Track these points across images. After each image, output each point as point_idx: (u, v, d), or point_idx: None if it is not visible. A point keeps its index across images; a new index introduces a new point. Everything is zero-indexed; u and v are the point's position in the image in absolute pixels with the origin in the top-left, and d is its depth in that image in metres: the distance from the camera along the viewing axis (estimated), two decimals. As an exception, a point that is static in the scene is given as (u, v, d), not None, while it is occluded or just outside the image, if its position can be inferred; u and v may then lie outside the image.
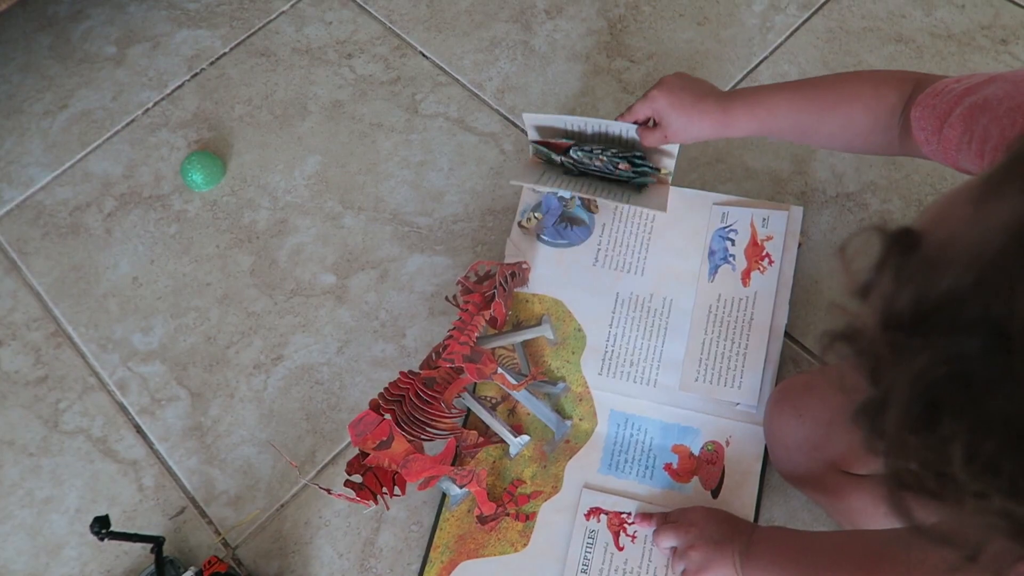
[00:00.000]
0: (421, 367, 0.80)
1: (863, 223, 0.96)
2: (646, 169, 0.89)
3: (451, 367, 0.79)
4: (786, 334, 0.89)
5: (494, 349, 0.88)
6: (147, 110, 1.15)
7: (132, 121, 1.15)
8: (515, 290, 0.91)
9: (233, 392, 0.94)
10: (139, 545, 0.84)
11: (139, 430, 0.93)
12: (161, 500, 0.89)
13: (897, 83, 0.67)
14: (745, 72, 1.08)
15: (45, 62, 1.21)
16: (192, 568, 0.80)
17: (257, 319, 0.98)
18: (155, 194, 1.08)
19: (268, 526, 0.86)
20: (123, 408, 0.94)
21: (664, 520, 0.76)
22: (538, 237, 0.94)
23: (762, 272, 0.90)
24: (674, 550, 0.75)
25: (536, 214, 0.96)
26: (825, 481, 0.72)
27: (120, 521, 0.88)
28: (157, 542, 0.81)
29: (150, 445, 0.92)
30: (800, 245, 0.92)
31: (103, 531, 0.76)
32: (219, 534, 0.86)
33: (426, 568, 0.80)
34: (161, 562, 0.81)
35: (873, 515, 0.69)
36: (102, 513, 0.76)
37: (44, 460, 0.92)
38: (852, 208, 0.97)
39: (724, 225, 0.93)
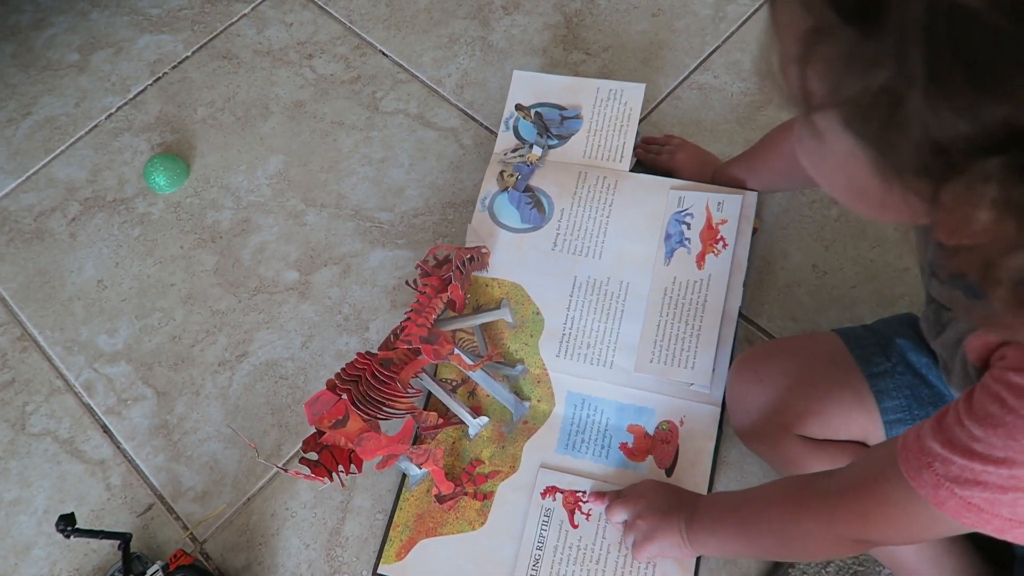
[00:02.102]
0: (380, 349, 0.82)
1: (815, 204, 0.98)
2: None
3: (408, 348, 0.81)
4: (741, 315, 0.91)
5: (454, 332, 0.89)
6: (110, 115, 1.16)
7: (95, 126, 1.16)
8: (475, 274, 0.93)
9: (199, 390, 0.95)
10: (107, 543, 0.84)
11: (106, 430, 0.94)
12: (129, 498, 0.90)
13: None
14: (699, 60, 1.10)
15: (8, 70, 1.22)
16: (159, 562, 0.80)
17: (222, 317, 0.99)
18: (119, 198, 1.09)
19: (235, 520, 0.87)
20: (90, 409, 0.95)
21: (615, 496, 0.78)
22: (512, 187, 0.97)
23: (716, 255, 0.91)
24: (626, 523, 0.77)
25: (517, 173, 0.98)
26: (782, 445, 0.74)
27: (89, 520, 0.88)
28: (124, 538, 0.82)
29: (117, 444, 0.93)
30: (756, 230, 0.94)
31: (69, 529, 0.77)
32: (187, 529, 0.87)
33: (385, 546, 0.81)
34: (128, 557, 0.81)
35: None
36: (69, 512, 0.77)
37: (11, 462, 0.93)
38: (804, 191, 0.99)
39: (680, 209, 0.94)
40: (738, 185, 0.94)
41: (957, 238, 0.35)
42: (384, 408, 0.76)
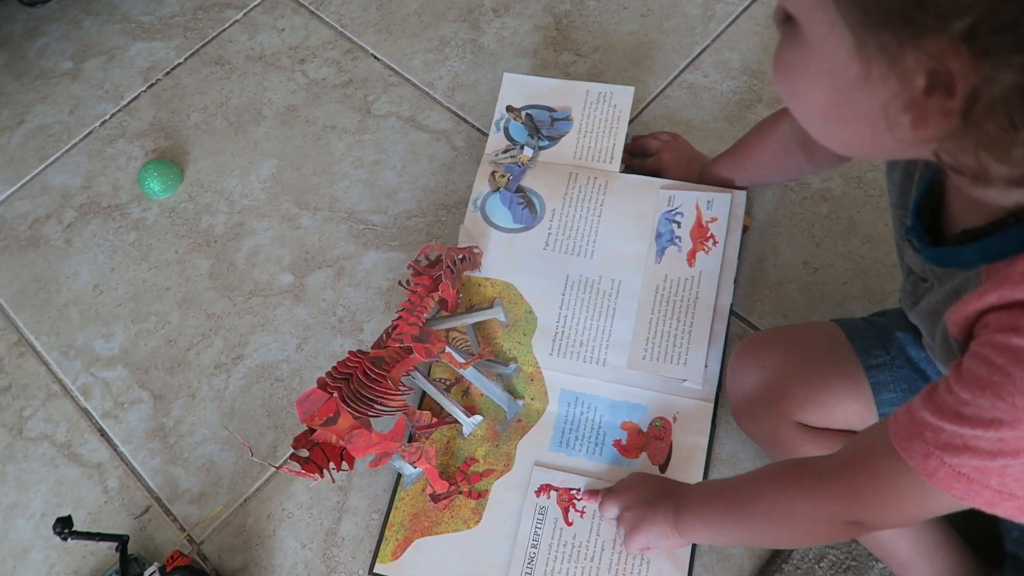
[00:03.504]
0: (372, 348, 0.82)
1: (805, 201, 0.98)
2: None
3: (400, 346, 0.81)
4: (733, 312, 0.91)
5: (447, 331, 0.90)
6: (104, 122, 1.17)
7: (89, 133, 1.16)
8: (467, 274, 0.94)
9: (195, 393, 0.95)
10: (104, 545, 0.85)
11: (103, 434, 0.94)
12: (126, 501, 0.90)
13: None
14: (688, 60, 1.11)
15: (1, 79, 1.22)
16: (156, 563, 0.81)
17: (217, 320, 0.99)
18: (114, 203, 1.10)
19: (232, 521, 0.88)
20: (87, 413, 0.96)
21: (607, 492, 0.79)
22: (503, 187, 0.97)
23: (707, 253, 0.92)
24: (617, 517, 0.77)
25: (508, 173, 0.98)
26: (779, 431, 0.74)
27: (86, 523, 0.89)
28: (121, 540, 0.82)
29: (114, 448, 0.93)
30: (746, 228, 0.95)
31: (66, 531, 0.77)
32: (184, 531, 0.88)
33: (381, 546, 0.82)
34: (125, 559, 0.82)
35: None
36: (66, 515, 0.77)
37: (9, 467, 0.93)
38: (794, 187, 0.99)
39: (670, 208, 0.95)
40: (725, 182, 0.94)
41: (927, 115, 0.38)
42: (375, 406, 0.77)
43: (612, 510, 0.77)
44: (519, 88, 1.05)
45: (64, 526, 0.77)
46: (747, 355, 0.79)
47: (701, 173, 0.96)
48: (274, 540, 0.86)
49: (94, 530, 0.86)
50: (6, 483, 0.92)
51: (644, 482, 0.77)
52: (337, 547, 0.85)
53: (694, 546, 0.79)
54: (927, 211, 0.54)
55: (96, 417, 0.95)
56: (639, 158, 1.02)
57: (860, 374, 0.72)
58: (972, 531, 0.74)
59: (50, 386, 0.98)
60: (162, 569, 0.80)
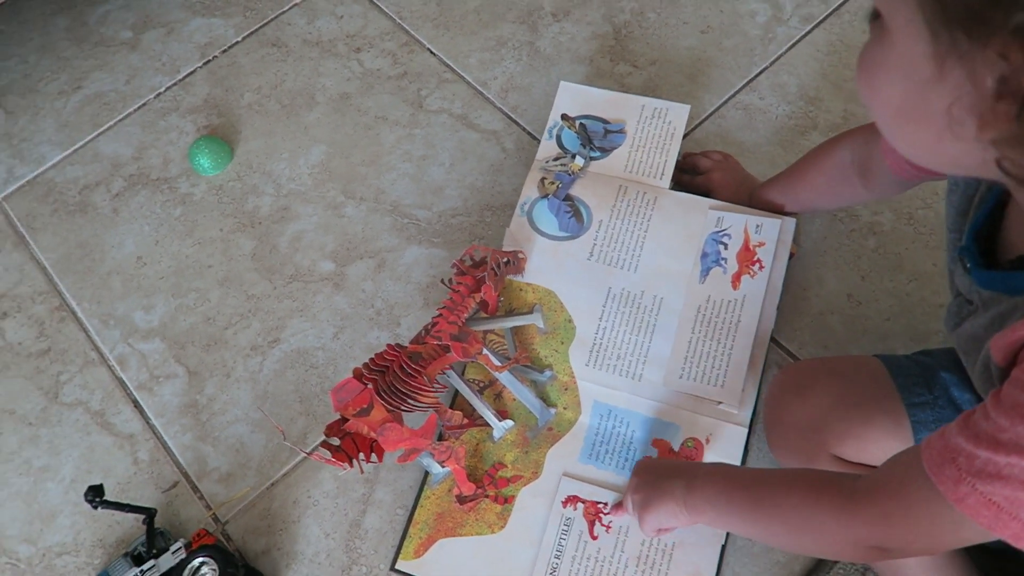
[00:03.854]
0: (410, 343, 0.83)
1: (853, 233, 0.98)
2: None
3: (438, 344, 0.81)
4: (772, 339, 0.91)
5: (485, 332, 0.90)
6: (159, 94, 1.18)
7: (144, 105, 1.17)
8: (509, 278, 0.94)
9: (229, 372, 0.96)
10: (131, 516, 0.85)
11: (136, 405, 0.95)
12: (155, 474, 0.91)
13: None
14: (745, 81, 1.10)
15: (61, 44, 1.24)
16: (181, 540, 0.82)
17: (256, 302, 1.00)
18: (162, 176, 1.11)
19: (257, 503, 0.88)
20: (122, 383, 0.97)
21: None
22: (553, 195, 0.97)
23: (752, 277, 0.91)
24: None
25: (558, 181, 0.98)
26: (815, 464, 0.74)
27: (114, 493, 0.90)
28: (149, 513, 0.83)
29: (146, 420, 0.94)
30: (793, 255, 0.94)
31: (97, 500, 0.78)
32: (210, 509, 0.88)
33: (404, 543, 0.82)
34: (152, 533, 0.83)
35: None
36: (98, 484, 0.78)
37: (43, 430, 0.94)
38: (843, 218, 0.99)
39: (718, 229, 0.94)
40: (776, 205, 0.94)
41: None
42: (408, 400, 0.77)
43: (625, 500, 0.78)
44: (574, 97, 1.05)
45: (96, 494, 0.78)
46: (788, 383, 0.78)
47: (751, 196, 0.96)
48: (298, 526, 0.87)
49: (122, 500, 0.87)
50: (39, 446, 0.94)
51: (650, 466, 0.77)
52: (360, 539, 0.85)
53: (719, 566, 0.78)
54: (983, 236, 0.55)
55: (131, 388, 0.96)
56: (688, 174, 1.01)
57: (901, 411, 0.72)
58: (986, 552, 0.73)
59: (88, 353, 0.99)
60: (187, 546, 0.81)
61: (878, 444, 0.72)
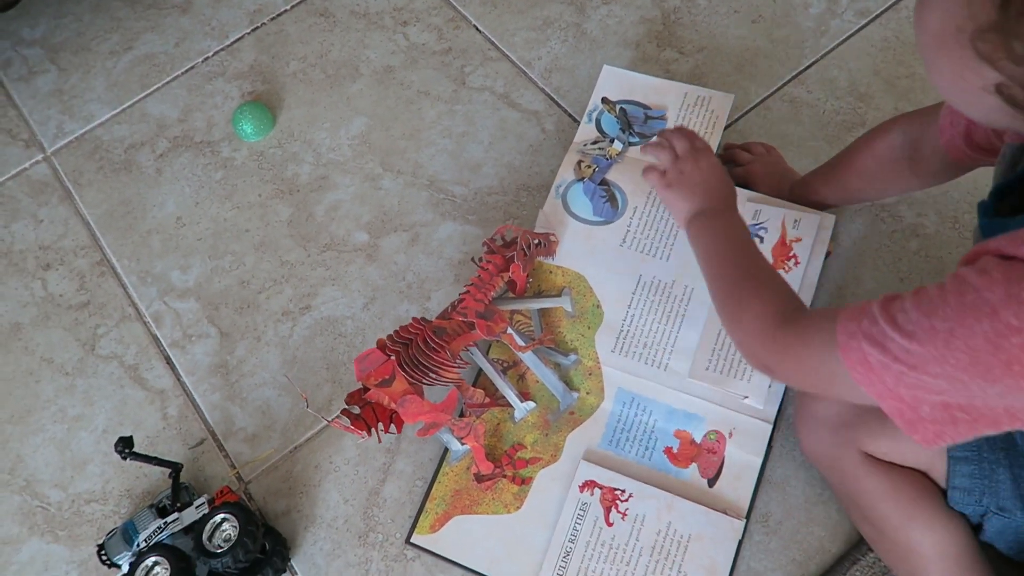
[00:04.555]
0: (437, 318, 0.83)
1: (895, 234, 0.95)
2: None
3: (463, 320, 0.82)
4: (803, 336, 0.89)
5: (512, 312, 0.90)
6: (207, 59, 1.19)
7: (191, 68, 1.19)
8: (540, 259, 0.93)
9: (260, 336, 0.97)
10: (158, 469, 0.88)
11: (169, 362, 0.97)
12: (183, 430, 0.93)
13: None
14: (795, 73, 1.08)
15: (115, 4, 1.26)
16: (205, 495, 0.83)
17: (290, 268, 1.01)
18: (206, 140, 1.12)
19: (280, 466, 0.90)
20: (156, 340, 0.99)
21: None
22: (589, 178, 0.97)
23: (787, 272, 0.90)
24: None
25: (594, 165, 0.98)
26: (844, 461, 0.73)
27: (143, 446, 0.92)
28: (175, 468, 0.85)
29: (178, 377, 0.96)
30: (829, 253, 0.92)
31: (126, 451, 0.80)
32: (234, 468, 0.90)
33: (421, 517, 0.83)
34: (177, 487, 0.85)
35: (883, 498, 0.71)
36: (128, 435, 0.80)
37: (78, 380, 0.97)
38: (886, 219, 0.97)
39: (755, 222, 0.93)
40: (817, 194, 0.92)
41: None
42: (430, 374, 0.78)
43: (664, 153, 0.82)
44: (617, 81, 1.04)
45: (125, 445, 0.80)
46: None
47: (791, 188, 0.94)
48: (319, 491, 0.88)
49: (150, 453, 0.90)
50: (74, 395, 0.96)
51: (709, 169, 0.80)
52: (378, 507, 0.86)
53: (734, 560, 0.78)
54: (1015, 198, 0.57)
55: (164, 345, 0.98)
56: (728, 166, 1.00)
57: None
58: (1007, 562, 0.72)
59: (125, 308, 1.01)
60: (211, 502, 0.83)
61: (910, 444, 0.71)
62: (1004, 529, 0.69)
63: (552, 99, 1.10)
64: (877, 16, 1.12)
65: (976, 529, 0.71)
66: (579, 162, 0.99)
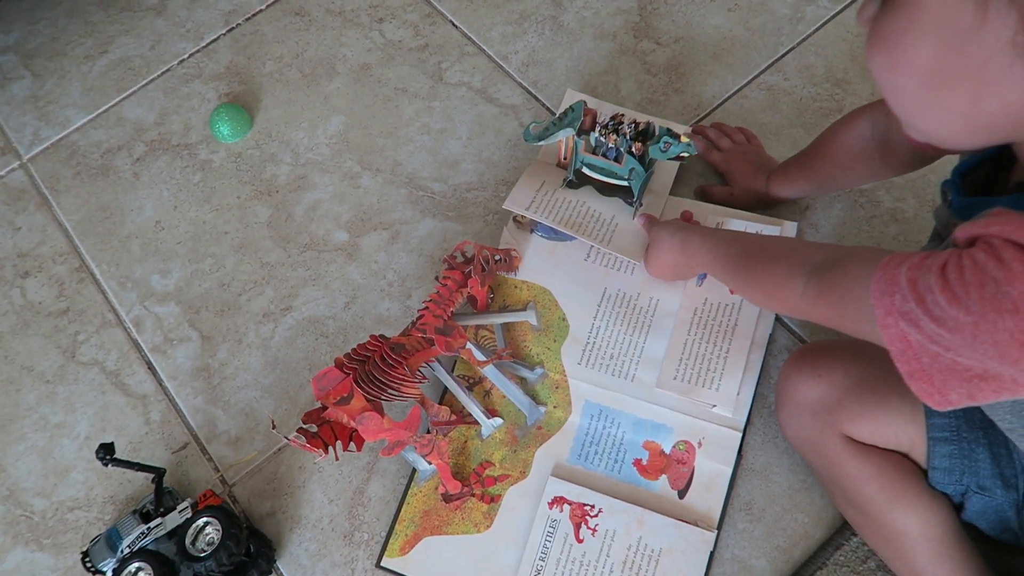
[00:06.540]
0: (396, 335, 0.82)
1: (873, 219, 0.96)
2: (667, 139, 0.88)
3: (422, 336, 0.81)
4: (784, 324, 0.89)
5: (476, 329, 0.89)
6: (182, 61, 1.19)
7: (167, 70, 1.18)
8: (503, 275, 0.93)
9: (241, 338, 0.97)
10: (141, 475, 0.87)
11: (150, 367, 0.97)
12: (166, 434, 0.93)
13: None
14: (771, 60, 1.08)
15: (89, 8, 1.25)
16: (188, 499, 0.83)
17: (270, 270, 1.01)
18: (183, 142, 1.12)
19: (264, 468, 0.90)
20: (137, 345, 0.98)
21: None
22: (531, 231, 0.96)
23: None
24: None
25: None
26: (826, 443, 0.73)
27: (126, 451, 0.92)
28: (158, 473, 0.85)
29: (159, 382, 0.96)
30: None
31: (108, 457, 0.80)
32: (218, 471, 0.90)
33: (390, 540, 0.82)
34: (161, 492, 0.85)
35: (866, 481, 0.71)
36: (109, 442, 0.80)
37: (59, 387, 0.97)
38: (864, 204, 0.97)
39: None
40: (790, 189, 0.92)
41: None
42: (388, 390, 0.76)
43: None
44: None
45: (107, 452, 0.80)
46: (804, 361, 0.77)
47: (769, 177, 0.94)
48: (303, 492, 0.88)
49: (134, 459, 0.89)
50: (55, 403, 0.96)
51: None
52: (363, 506, 0.86)
53: (706, 572, 0.78)
54: (977, 177, 0.57)
55: (146, 350, 0.98)
56: (708, 144, 1.00)
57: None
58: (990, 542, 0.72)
59: (105, 314, 1.01)
60: (194, 506, 0.83)
61: (892, 427, 0.71)
62: (985, 508, 0.69)
63: (530, 93, 1.10)
64: (852, 2, 1.11)
65: (958, 509, 0.71)
66: (514, 218, 0.97)
